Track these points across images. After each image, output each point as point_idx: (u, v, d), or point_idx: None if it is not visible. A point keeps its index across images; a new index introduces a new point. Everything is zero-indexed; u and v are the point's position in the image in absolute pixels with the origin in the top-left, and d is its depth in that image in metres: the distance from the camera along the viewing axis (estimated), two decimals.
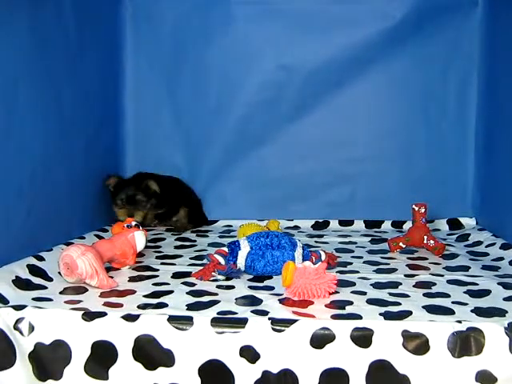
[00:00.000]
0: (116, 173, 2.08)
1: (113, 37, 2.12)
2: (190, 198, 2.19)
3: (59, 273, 1.38)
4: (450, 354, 1.02)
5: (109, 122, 2.11)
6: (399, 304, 1.21)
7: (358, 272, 1.49)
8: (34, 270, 1.37)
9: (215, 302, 1.22)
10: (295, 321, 1.06)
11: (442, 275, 1.46)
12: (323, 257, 1.50)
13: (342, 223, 2.17)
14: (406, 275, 1.46)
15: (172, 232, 2.03)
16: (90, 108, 1.88)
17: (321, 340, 1.04)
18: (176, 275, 1.45)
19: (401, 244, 1.74)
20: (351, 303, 1.22)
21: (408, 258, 1.67)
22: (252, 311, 1.15)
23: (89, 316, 1.09)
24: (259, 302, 1.23)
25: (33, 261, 1.40)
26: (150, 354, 1.06)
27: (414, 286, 1.36)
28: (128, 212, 1.96)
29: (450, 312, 1.17)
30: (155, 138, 2.25)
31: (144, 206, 1.99)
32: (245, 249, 1.47)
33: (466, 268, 1.54)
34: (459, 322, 1.05)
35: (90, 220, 1.87)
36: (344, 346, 1.03)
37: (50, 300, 1.23)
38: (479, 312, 1.16)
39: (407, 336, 1.03)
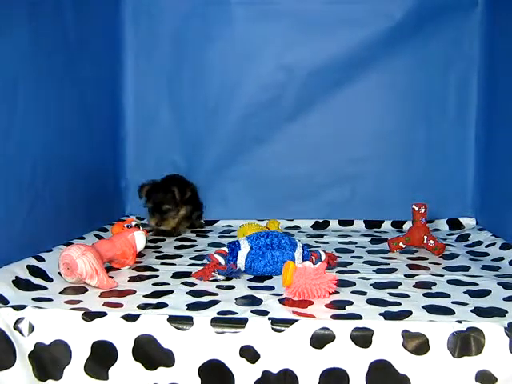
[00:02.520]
0: (149, 180, 2.02)
1: (113, 36, 2.12)
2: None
3: (59, 273, 1.38)
4: (449, 354, 1.02)
5: (109, 122, 2.11)
6: (399, 304, 1.21)
7: (358, 272, 1.49)
8: (33, 270, 1.37)
9: (215, 302, 1.22)
10: (295, 321, 1.06)
11: (442, 275, 1.46)
12: (323, 257, 1.50)
13: (341, 223, 2.17)
14: (406, 275, 1.46)
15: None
16: (89, 108, 1.87)
17: (321, 340, 1.04)
18: (176, 275, 1.46)
19: (401, 244, 1.74)
20: (351, 303, 1.22)
21: (408, 258, 1.67)
22: (252, 311, 1.15)
23: (89, 316, 1.09)
24: (259, 302, 1.23)
25: (33, 261, 1.40)
26: (150, 354, 1.06)
27: (414, 286, 1.36)
28: (159, 219, 1.94)
29: (450, 312, 1.17)
30: (155, 138, 2.25)
31: (172, 215, 1.96)
32: (245, 249, 1.47)
33: (466, 268, 1.54)
34: (459, 322, 1.05)
35: (90, 220, 1.87)
36: (344, 346, 1.03)
37: (49, 300, 1.23)
38: (479, 312, 1.16)
39: (407, 336, 1.03)
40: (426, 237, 1.71)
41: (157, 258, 1.66)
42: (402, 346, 1.03)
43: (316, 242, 1.90)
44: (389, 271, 1.51)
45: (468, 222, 2.11)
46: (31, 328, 1.09)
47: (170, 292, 1.30)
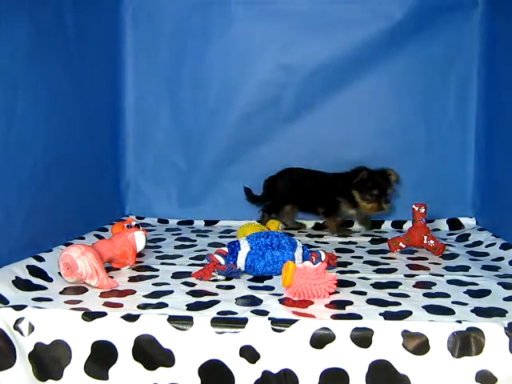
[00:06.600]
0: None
1: (113, 37, 2.12)
2: None
3: (59, 273, 1.38)
4: (449, 354, 1.02)
5: (109, 122, 2.11)
6: (399, 304, 1.21)
7: (358, 272, 1.49)
8: (33, 270, 1.37)
9: (215, 302, 1.22)
10: (295, 321, 1.06)
11: (442, 275, 1.46)
12: (323, 257, 1.50)
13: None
14: (406, 275, 1.46)
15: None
16: (89, 108, 1.87)
17: (321, 340, 1.04)
18: (176, 275, 1.46)
19: (401, 244, 1.74)
20: (351, 303, 1.22)
21: (408, 258, 1.67)
22: (252, 311, 1.15)
23: (89, 316, 1.10)
24: (259, 302, 1.23)
25: (33, 261, 1.40)
26: (150, 353, 1.06)
27: (414, 286, 1.36)
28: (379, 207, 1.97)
29: (450, 312, 1.17)
30: (155, 138, 2.25)
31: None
32: (245, 249, 1.47)
33: (466, 268, 1.54)
34: (459, 322, 1.05)
35: (90, 220, 1.87)
36: (344, 346, 1.03)
37: (50, 300, 1.23)
38: (479, 312, 1.16)
39: (407, 336, 1.03)
40: (426, 237, 1.71)
41: (157, 257, 1.66)
42: (402, 345, 1.03)
43: (316, 241, 1.90)
44: (389, 271, 1.51)
45: (468, 221, 2.11)
46: (31, 328, 1.09)
47: (170, 292, 1.30)
